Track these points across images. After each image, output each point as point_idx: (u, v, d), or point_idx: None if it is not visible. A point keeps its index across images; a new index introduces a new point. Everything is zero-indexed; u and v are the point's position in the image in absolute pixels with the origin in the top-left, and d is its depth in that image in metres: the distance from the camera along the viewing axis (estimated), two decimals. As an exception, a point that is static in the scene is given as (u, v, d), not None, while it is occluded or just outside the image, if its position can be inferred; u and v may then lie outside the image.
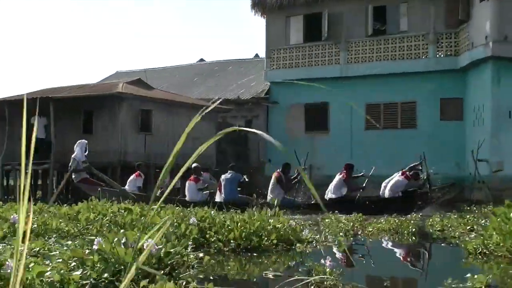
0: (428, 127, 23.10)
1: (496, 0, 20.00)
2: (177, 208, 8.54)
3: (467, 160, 21.34)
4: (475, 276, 4.20)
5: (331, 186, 16.52)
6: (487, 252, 6.11)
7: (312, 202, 15.66)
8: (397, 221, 9.05)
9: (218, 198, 16.01)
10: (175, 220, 6.43)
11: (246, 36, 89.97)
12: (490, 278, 4.20)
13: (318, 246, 7.02)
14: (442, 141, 22.60)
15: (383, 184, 16.78)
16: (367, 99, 24.24)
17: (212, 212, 7.21)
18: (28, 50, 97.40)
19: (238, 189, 16.37)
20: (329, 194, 16.36)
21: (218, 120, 25.46)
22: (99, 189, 15.04)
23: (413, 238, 8.34)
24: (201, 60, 37.72)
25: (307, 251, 6.50)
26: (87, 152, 16.43)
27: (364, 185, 16.40)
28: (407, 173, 16.50)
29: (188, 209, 8.70)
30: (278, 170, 16.67)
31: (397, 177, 16.65)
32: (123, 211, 7.37)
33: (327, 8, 24.71)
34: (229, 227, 6.47)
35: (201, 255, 4.91)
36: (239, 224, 6.49)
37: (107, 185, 15.61)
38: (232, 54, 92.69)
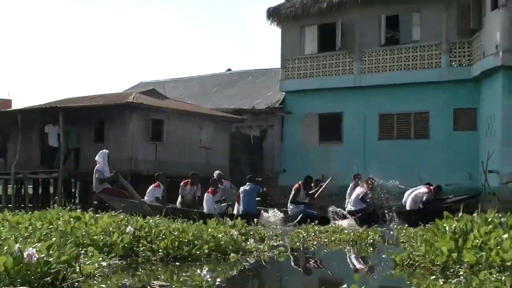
0: (441, 138, 22.82)
1: (507, 9, 19.69)
2: (136, 217, 8.59)
3: (480, 171, 20.99)
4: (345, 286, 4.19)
5: (351, 198, 16.50)
6: (413, 263, 6.06)
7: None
8: (361, 231, 8.99)
9: (236, 210, 16.07)
10: (110, 229, 6.51)
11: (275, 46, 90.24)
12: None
13: (259, 256, 7.04)
14: (455, 152, 22.29)
15: (407, 193, 16.75)
16: (380, 109, 24.09)
17: (157, 220, 7.27)
18: (56, 61, 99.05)
19: (257, 198, 16.40)
20: (349, 206, 16.28)
21: (231, 130, 25.58)
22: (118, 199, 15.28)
23: (370, 248, 8.28)
24: (229, 70, 38.07)
25: (239, 261, 6.53)
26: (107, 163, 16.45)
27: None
28: (431, 186, 16.51)
29: (150, 219, 8.77)
30: (299, 182, 16.62)
31: (420, 188, 16.65)
32: (72, 219, 7.50)
33: (341, 18, 24.67)
34: (164, 236, 6.53)
35: (104, 263, 4.98)
36: (173, 233, 6.55)
37: (127, 196, 15.62)
38: (259, 64, 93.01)
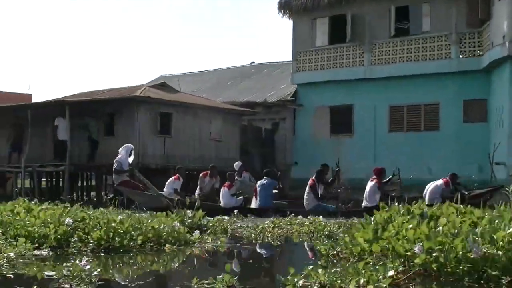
0: (451, 129, 22.53)
1: (514, -2, 19.33)
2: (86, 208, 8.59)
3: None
4: (220, 276, 4.25)
5: (366, 193, 16.27)
6: (337, 253, 6.09)
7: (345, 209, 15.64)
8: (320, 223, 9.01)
9: (253, 204, 16.16)
10: (49, 220, 6.66)
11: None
12: (236, 279, 4.24)
13: (200, 247, 7.12)
14: (465, 144, 22.00)
15: (426, 187, 16.44)
16: (390, 100, 23.88)
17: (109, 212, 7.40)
18: (79, 55, 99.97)
19: (275, 191, 16.39)
20: (364, 202, 15.99)
21: (243, 123, 25.65)
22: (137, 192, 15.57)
23: (326, 240, 8.27)
24: (252, 62, 38.04)
25: (175, 251, 6.63)
26: (132, 157, 16.66)
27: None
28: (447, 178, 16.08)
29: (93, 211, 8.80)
30: (312, 177, 16.50)
31: (437, 182, 16.41)
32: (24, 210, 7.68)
33: (351, 10, 24.52)
34: (100, 227, 6.66)
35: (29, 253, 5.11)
36: (109, 224, 6.67)
37: (146, 189, 15.86)
38: (278, 56, 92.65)
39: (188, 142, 23.10)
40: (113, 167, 16.07)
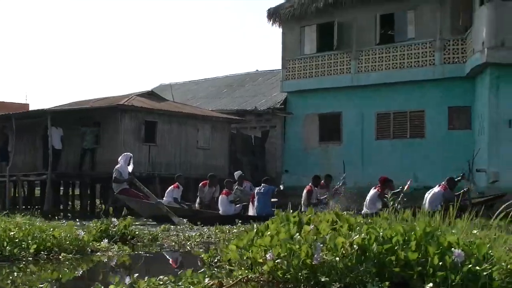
0: (437, 137, 22.44)
1: (492, 4, 19.21)
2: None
3: (474, 170, 20.53)
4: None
5: (366, 201, 16.22)
6: (217, 261, 6.13)
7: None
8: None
9: (251, 211, 16.13)
10: None
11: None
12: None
13: (100, 256, 7.21)
14: (450, 151, 21.85)
15: (426, 195, 16.24)
16: (377, 108, 23.84)
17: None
18: (78, 64, 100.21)
19: (275, 200, 16.37)
20: (364, 209, 15.92)
21: (232, 131, 25.73)
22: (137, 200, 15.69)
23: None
24: (257, 70, 38.04)
25: (68, 261, 6.71)
26: (131, 165, 16.75)
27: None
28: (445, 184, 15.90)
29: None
30: (310, 184, 16.61)
31: (434, 189, 16.28)
32: None
33: (338, 18, 24.54)
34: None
35: None
36: (6, 232, 6.77)
37: (145, 197, 15.96)
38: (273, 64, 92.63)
39: (174, 150, 23.25)
40: (113, 176, 16.15)
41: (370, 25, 23.89)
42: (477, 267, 4.39)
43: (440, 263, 4.47)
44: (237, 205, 16.21)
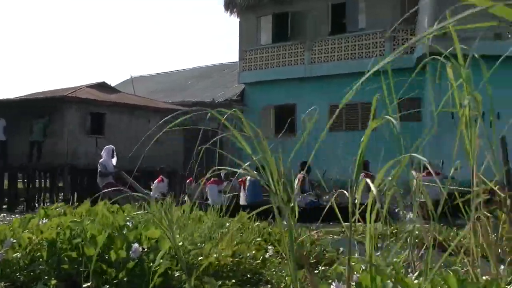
0: (387, 129, 21.90)
1: (433, -7, 18.76)
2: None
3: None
4: None
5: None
6: None
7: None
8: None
9: (242, 199, 15.75)
10: None
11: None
12: None
13: None
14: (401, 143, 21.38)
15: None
16: (331, 99, 23.39)
17: None
18: (58, 53, 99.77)
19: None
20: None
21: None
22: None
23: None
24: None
25: None
26: (115, 158, 16.49)
27: None
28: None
29: None
30: (302, 173, 16.18)
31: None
32: None
33: (292, 7, 24.11)
34: None
35: None
36: None
37: (133, 190, 15.67)
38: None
39: (123, 142, 22.91)
40: (98, 170, 15.87)
41: (322, 16, 23.46)
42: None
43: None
44: (225, 195, 15.85)
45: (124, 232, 4.47)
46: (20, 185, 23.74)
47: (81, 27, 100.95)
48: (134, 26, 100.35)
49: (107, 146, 16.83)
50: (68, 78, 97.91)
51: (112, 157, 16.22)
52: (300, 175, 15.68)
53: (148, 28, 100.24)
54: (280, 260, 5.05)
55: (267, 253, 5.01)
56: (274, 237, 6.11)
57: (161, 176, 16.76)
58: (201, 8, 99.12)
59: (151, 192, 16.26)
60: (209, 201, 15.30)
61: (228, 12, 26.24)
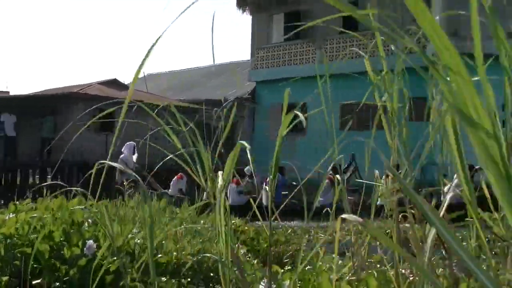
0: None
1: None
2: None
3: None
4: None
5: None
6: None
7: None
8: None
9: (264, 200, 15.63)
10: None
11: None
12: None
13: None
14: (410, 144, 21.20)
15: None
16: (341, 99, 23.13)
17: None
18: (65, 51, 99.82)
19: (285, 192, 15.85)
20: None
21: (196, 121, 25.28)
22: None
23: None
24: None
25: None
26: (136, 154, 16.40)
27: None
28: None
29: None
30: (331, 173, 15.92)
31: None
32: None
33: (303, 6, 23.94)
34: None
35: None
36: None
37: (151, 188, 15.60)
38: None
39: (132, 139, 22.86)
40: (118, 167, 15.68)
41: (333, 13, 23.23)
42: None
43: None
44: (245, 196, 15.82)
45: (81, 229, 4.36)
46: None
47: (100, 23, 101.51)
48: (150, 24, 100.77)
49: (128, 143, 16.64)
50: (84, 75, 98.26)
51: (133, 153, 16.11)
52: (329, 176, 15.41)
53: (163, 26, 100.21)
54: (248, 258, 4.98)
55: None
56: (248, 236, 6.08)
57: (180, 173, 16.51)
58: (214, 6, 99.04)
59: (169, 190, 16.15)
60: (229, 201, 15.16)
61: (240, 10, 26.12)
